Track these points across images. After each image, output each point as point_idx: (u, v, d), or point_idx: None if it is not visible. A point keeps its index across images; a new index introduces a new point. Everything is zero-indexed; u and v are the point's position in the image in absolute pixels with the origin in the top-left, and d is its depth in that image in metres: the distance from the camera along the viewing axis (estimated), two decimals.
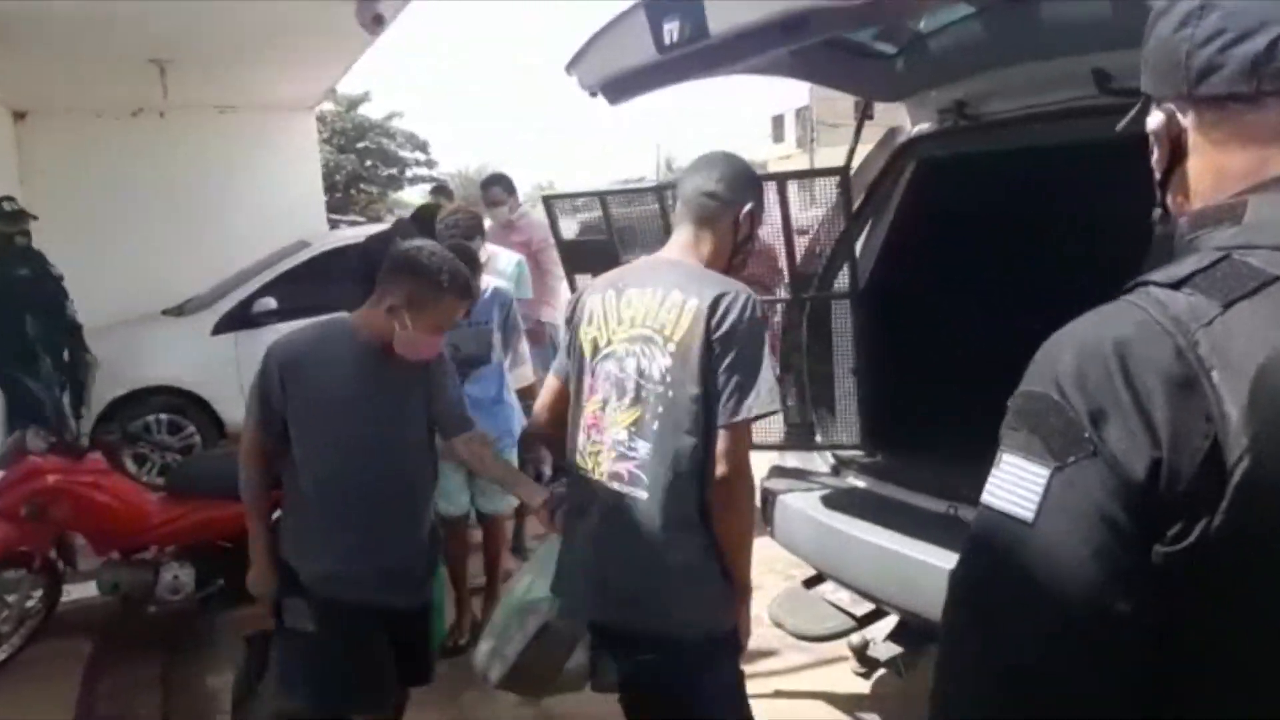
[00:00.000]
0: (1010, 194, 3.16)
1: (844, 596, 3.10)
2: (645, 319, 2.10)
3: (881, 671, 3.08)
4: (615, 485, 2.09)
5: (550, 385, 2.36)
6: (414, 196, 32.49)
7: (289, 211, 8.77)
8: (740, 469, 2.00)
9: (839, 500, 3.07)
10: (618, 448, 2.09)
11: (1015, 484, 0.84)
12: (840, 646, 3.24)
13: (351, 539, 2.49)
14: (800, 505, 3.08)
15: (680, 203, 2.24)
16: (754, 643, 3.50)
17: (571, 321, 2.27)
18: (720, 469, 1.98)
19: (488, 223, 6.24)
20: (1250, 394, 0.77)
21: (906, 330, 3.22)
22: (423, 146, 30.60)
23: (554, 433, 2.31)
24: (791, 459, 3.38)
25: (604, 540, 2.11)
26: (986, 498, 0.87)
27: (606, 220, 3.25)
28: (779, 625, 3.13)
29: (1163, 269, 0.91)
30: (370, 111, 29.09)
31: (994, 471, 0.87)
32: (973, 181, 3.19)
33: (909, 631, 2.92)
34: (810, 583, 3.25)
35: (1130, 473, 0.79)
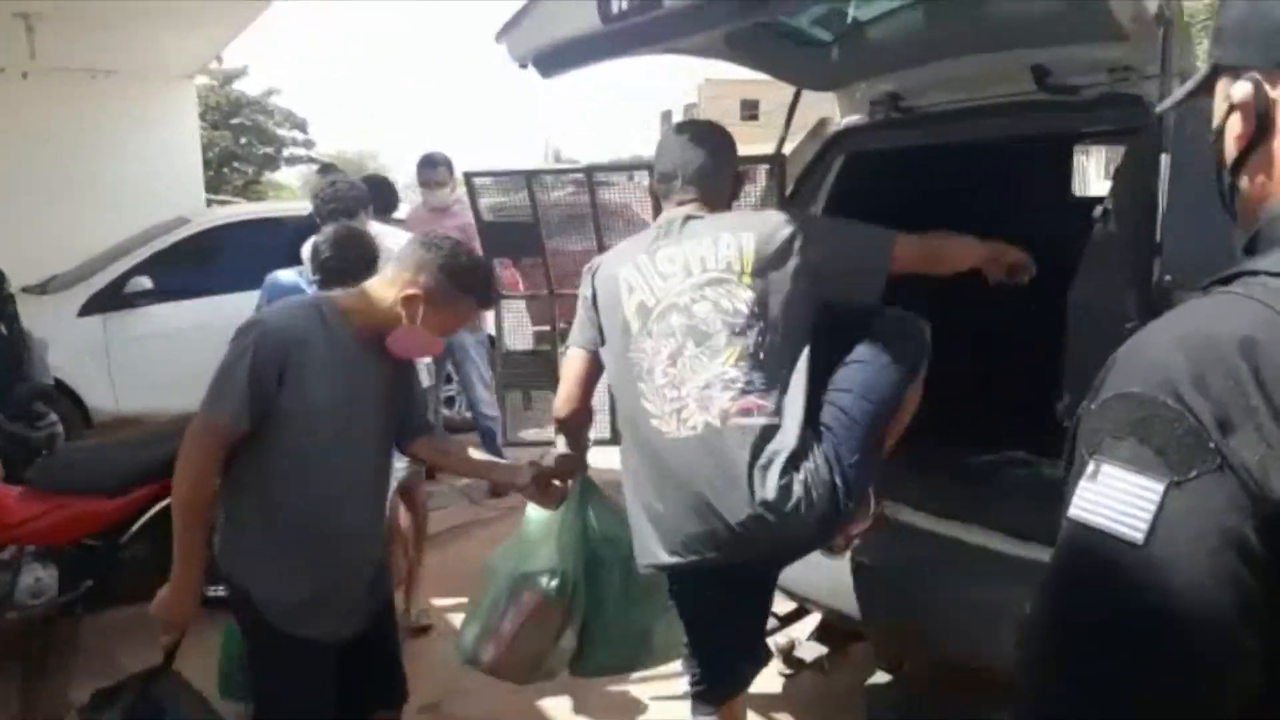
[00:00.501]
0: (943, 188, 3.14)
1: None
2: (705, 265, 2.16)
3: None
4: (740, 420, 2.04)
5: (577, 363, 2.37)
6: (291, 178, 31.35)
7: (166, 186, 8.19)
8: None
9: None
10: (731, 386, 2.06)
11: (1121, 500, 0.75)
12: None
13: (337, 567, 2.21)
14: None
15: (673, 177, 2.34)
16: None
17: (597, 299, 2.31)
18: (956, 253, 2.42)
19: (408, 206, 5.95)
20: None
21: (839, 321, 3.16)
22: (301, 125, 29.59)
23: (572, 418, 2.39)
24: None
25: (725, 473, 2.02)
26: (1080, 514, 0.77)
27: (532, 202, 3.09)
28: None
29: (1267, 257, 0.83)
30: (247, 87, 27.95)
31: (1087, 484, 0.77)
32: (904, 175, 3.15)
33: (833, 630, 2.87)
34: None
35: (1267, 488, 0.70)
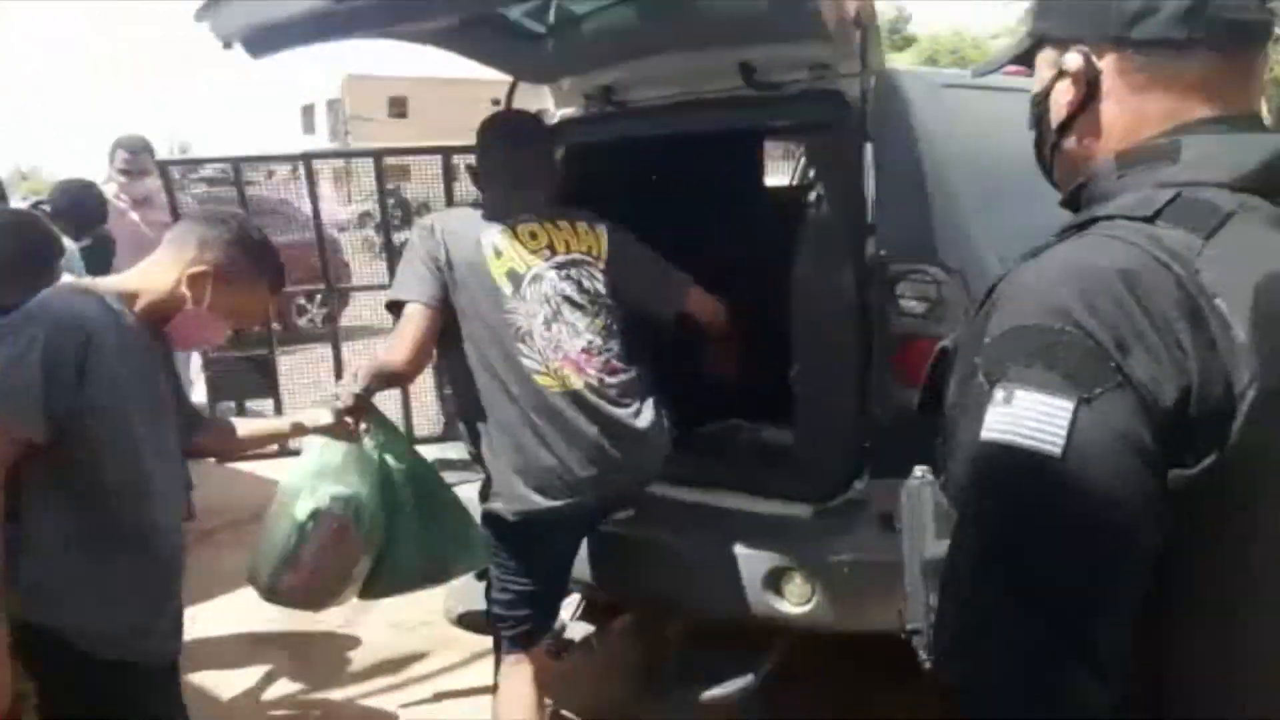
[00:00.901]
0: (657, 178, 3.31)
1: None
2: (569, 246, 2.55)
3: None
4: (611, 379, 2.46)
5: (421, 319, 2.41)
6: None
7: None
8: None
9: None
10: (603, 352, 2.47)
11: (1035, 419, 0.84)
12: None
13: (168, 582, 1.97)
14: (473, 495, 2.98)
15: (501, 166, 2.63)
16: (424, 643, 3.36)
17: (451, 257, 2.43)
18: (717, 314, 2.74)
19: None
20: (1251, 319, 0.84)
21: None
22: None
23: (413, 371, 2.49)
24: (453, 450, 3.24)
25: (608, 423, 2.43)
26: (997, 435, 0.86)
27: (240, 192, 2.87)
28: (460, 623, 3.00)
29: (1115, 204, 0.97)
30: None
31: (1000, 408, 0.87)
32: (621, 166, 3.28)
33: (595, 608, 2.95)
34: (484, 574, 3.15)
35: (1160, 399, 0.83)
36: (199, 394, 4.31)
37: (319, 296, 4.55)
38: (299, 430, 2.40)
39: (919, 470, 1.17)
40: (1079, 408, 0.83)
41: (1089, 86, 1.04)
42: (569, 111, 3.33)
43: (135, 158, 4.47)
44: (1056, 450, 0.83)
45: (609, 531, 2.72)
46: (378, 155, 3.27)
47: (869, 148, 2.49)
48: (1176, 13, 0.97)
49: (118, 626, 1.88)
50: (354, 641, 3.68)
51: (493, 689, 2.69)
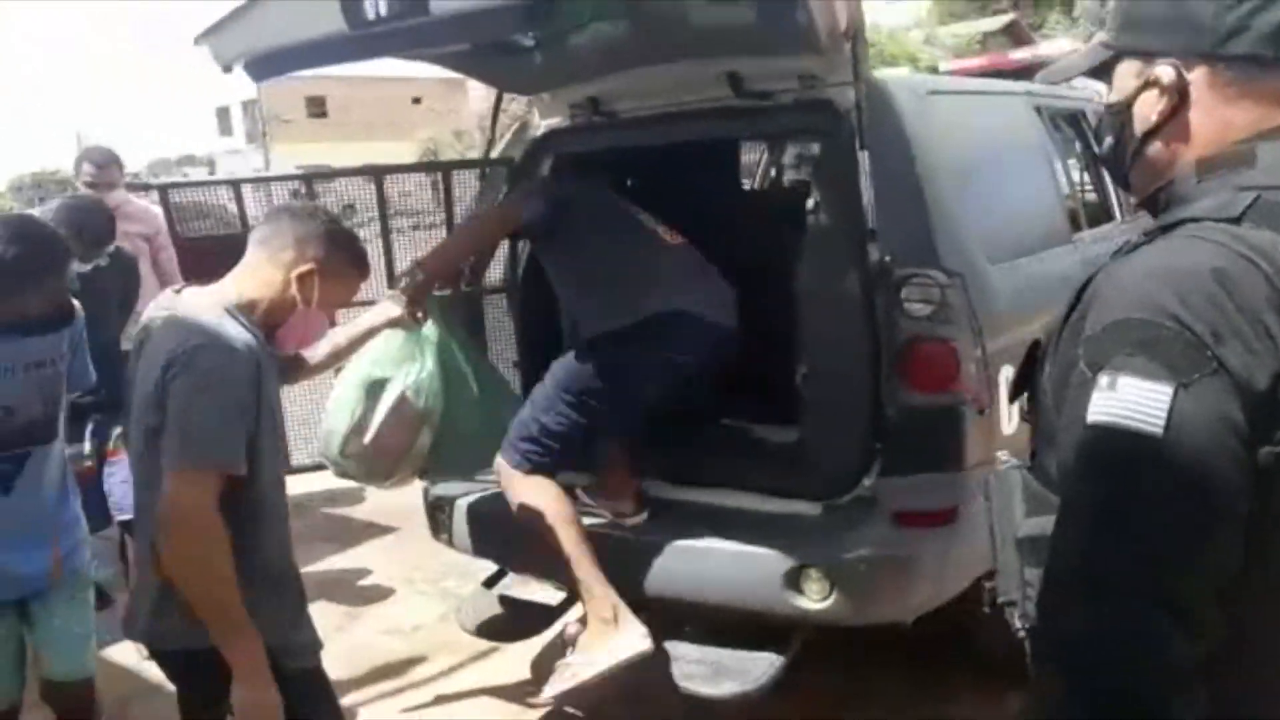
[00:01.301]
0: (645, 187, 3.36)
1: (530, 589, 3.10)
2: None
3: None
4: None
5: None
6: None
7: None
8: None
9: None
10: None
11: (1138, 402, 0.94)
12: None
13: (292, 599, 2.02)
14: (481, 506, 3.02)
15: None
16: (420, 647, 3.36)
17: None
18: None
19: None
20: None
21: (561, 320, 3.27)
22: None
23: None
24: None
25: None
26: (1102, 418, 0.96)
27: (241, 214, 2.86)
28: (473, 632, 3.04)
29: (1199, 207, 1.07)
30: None
31: (1104, 394, 0.96)
32: (609, 175, 3.33)
33: None
34: (492, 581, 3.20)
35: (1253, 384, 0.93)
36: None
37: None
38: (372, 331, 2.45)
39: (1003, 455, 1.29)
40: (1178, 392, 0.93)
41: (1179, 96, 1.12)
42: (554, 122, 3.37)
43: (101, 170, 4.28)
44: (1158, 430, 0.93)
45: (621, 535, 2.79)
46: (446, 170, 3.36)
47: (864, 156, 2.58)
48: (1266, 32, 1.07)
49: (303, 636, 1.98)
50: (349, 647, 3.66)
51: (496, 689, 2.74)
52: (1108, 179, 4.15)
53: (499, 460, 2.77)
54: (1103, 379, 0.97)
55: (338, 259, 2.00)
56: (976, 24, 28.49)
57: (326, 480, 3.16)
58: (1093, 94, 4.63)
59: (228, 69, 2.59)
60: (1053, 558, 1.03)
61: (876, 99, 2.67)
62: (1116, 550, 0.95)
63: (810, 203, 2.73)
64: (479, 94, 28.74)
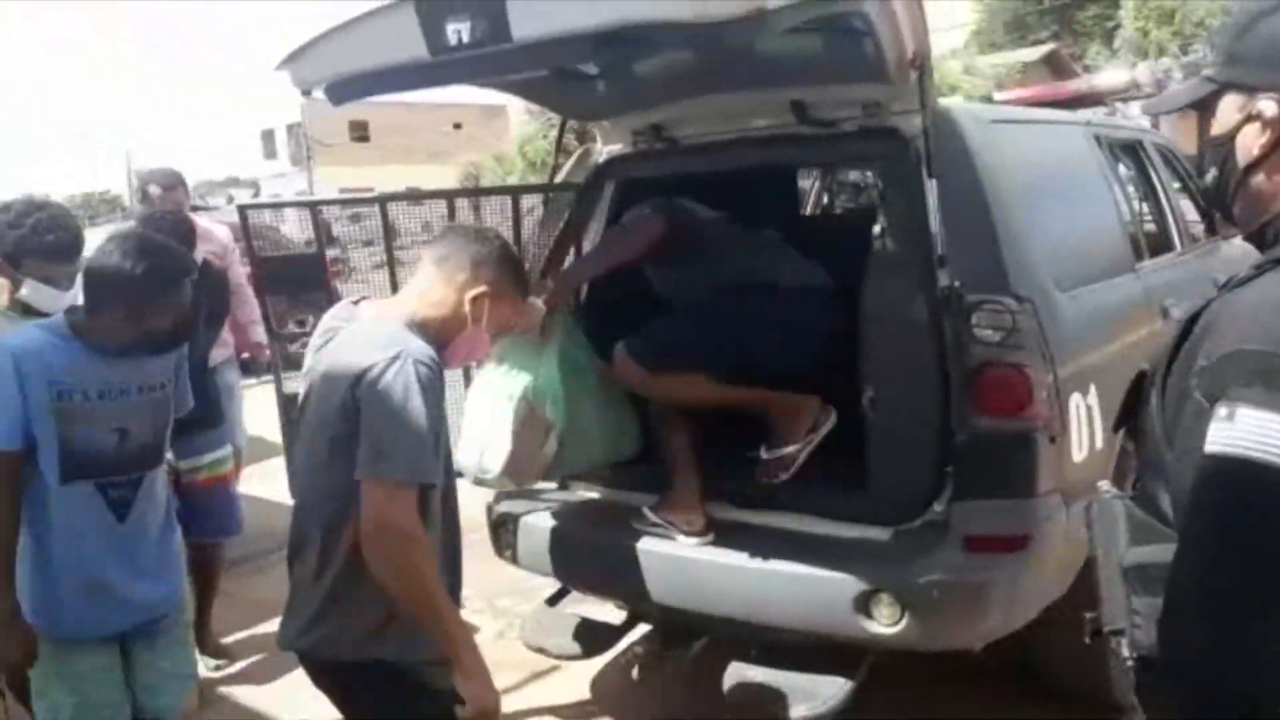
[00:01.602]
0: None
1: (594, 608, 3.12)
2: None
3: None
4: None
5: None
6: None
7: None
8: None
9: (580, 513, 3.09)
10: None
11: (1258, 433, 0.96)
12: None
13: None
14: (547, 524, 3.03)
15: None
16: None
17: None
18: None
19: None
20: None
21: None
22: None
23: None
24: None
25: None
26: (1221, 448, 0.98)
27: (317, 234, 2.92)
28: (538, 650, 3.06)
29: None
30: None
31: (1222, 424, 0.99)
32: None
33: (675, 632, 3.02)
34: (555, 599, 3.22)
35: None
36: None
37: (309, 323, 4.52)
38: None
39: (1104, 485, 1.30)
40: None
41: None
42: (617, 148, 3.41)
43: (168, 192, 4.31)
44: (1277, 459, 0.95)
45: (686, 556, 2.79)
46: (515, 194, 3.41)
47: (932, 183, 2.59)
48: None
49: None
50: None
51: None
52: (1166, 208, 4.14)
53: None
54: (1220, 410, 0.99)
55: (508, 282, 2.07)
56: (1016, 54, 28.38)
57: None
58: (1145, 125, 4.63)
59: (307, 93, 2.65)
60: (1173, 587, 1.05)
61: (943, 126, 2.68)
62: (1238, 579, 0.97)
63: (876, 229, 2.74)
64: (519, 119, 29.05)
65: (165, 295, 2.23)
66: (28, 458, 2.19)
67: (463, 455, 2.69)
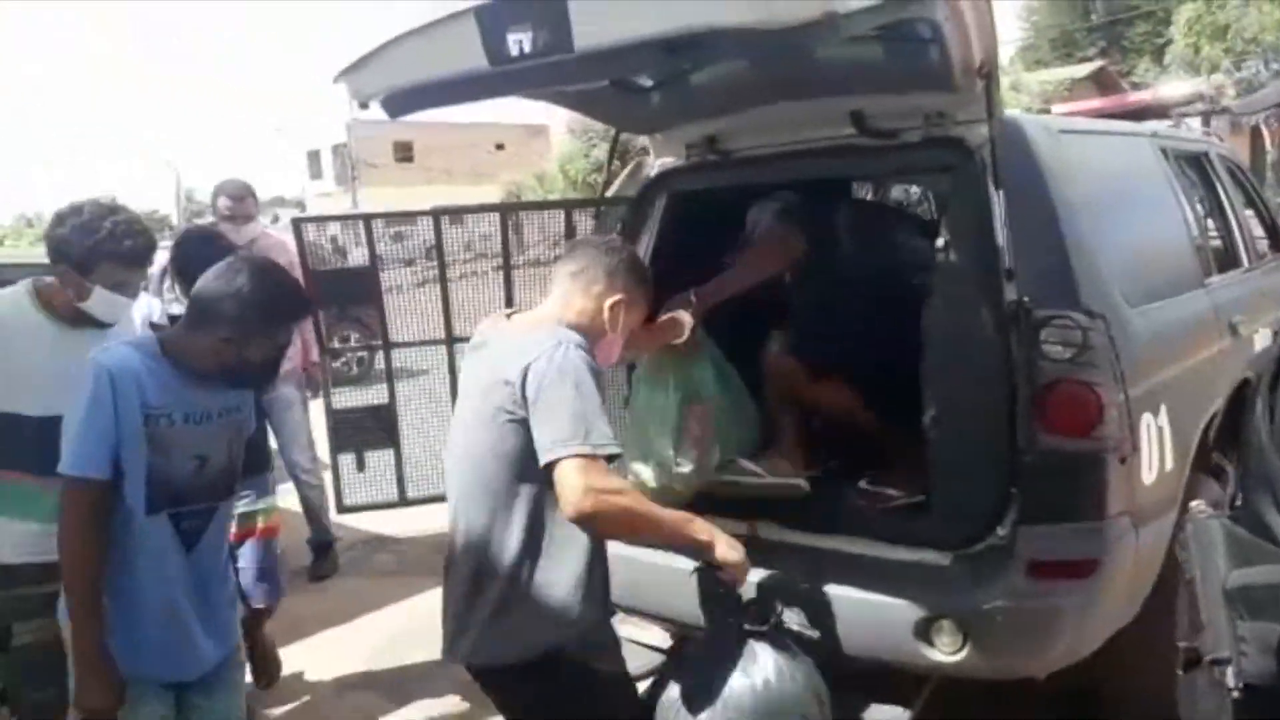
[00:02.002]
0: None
1: (635, 630, 3.06)
2: None
3: None
4: None
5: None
6: None
7: None
8: None
9: None
10: None
11: None
12: None
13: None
14: None
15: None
16: None
17: None
18: None
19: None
20: None
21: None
22: None
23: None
24: None
25: None
26: None
27: (370, 248, 2.91)
28: None
29: None
30: None
31: None
32: (727, 214, 3.32)
33: None
34: None
35: None
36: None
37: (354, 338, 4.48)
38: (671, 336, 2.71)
39: (1199, 504, 1.22)
40: None
41: None
42: (670, 160, 3.37)
43: (238, 203, 4.36)
44: None
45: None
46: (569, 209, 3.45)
47: (999, 195, 2.52)
48: None
49: (607, 635, 2.21)
50: (447, 680, 3.60)
51: None
52: (1233, 223, 4.02)
53: None
54: None
55: (640, 289, 2.25)
56: (1064, 70, 28.15)
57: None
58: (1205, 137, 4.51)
59: (365, 105, 2.64)
60: None
61: (1010, 137, 2.61)
62: None
63: (941, 241, 2.67)
64: (560, 138, 29.24)
65: (273, 329, 2.17)
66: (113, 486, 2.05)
67: (637, 464, 2.78)
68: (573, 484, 1.89)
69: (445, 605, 2.17)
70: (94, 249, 2.46)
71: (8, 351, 2.50)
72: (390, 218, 3.23)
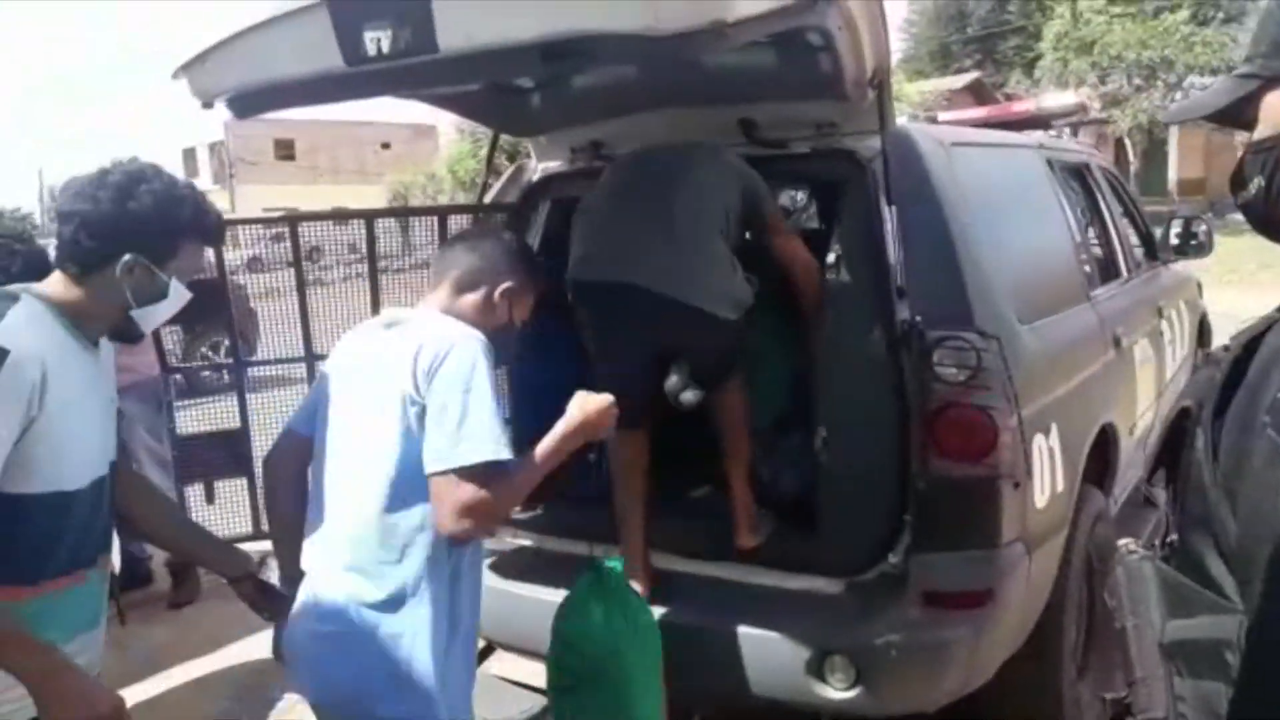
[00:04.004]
0: None
1: (516, 667, 2.88)
2: None
3: None
4: None
5: None
6: None
7: None
8: None
9: (513, 563, 2.84)
10: None
11: None
12: None
13: None
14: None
15: None
16: None
17: None
18: None
19: None
20: None
21: (554, 372, 3.08)
22: None
23: None
24: None
25: None
26: None
27: (219, 257, 2.65)
28: None
29: None
30: None
31: None
32: None
33: None
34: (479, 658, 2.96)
35: None
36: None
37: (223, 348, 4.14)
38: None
39: (1127, 543, 1.13)
40: None
41: None
42: (553, 165, 3.20)
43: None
44: None
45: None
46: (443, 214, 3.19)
47: (891, 210, 2.43)
48: None
49: None
50: None
51: None
52: (1113, 233, 4.06)
53: None
54: None
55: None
56: (943, 81, 28.96)
57: None
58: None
59: (208, 105, 2.39)
60: (1253, 674, 0.86)
61: (901, 150, 2.53)
62: None
63: (831, 257, 2.57)
64: (449, 139, 28.74)
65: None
66: None
67: None
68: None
69: None
70: (181, 226, 1.82)
71: (63, 407, 1.66)
72: (246, 223, 2.97)
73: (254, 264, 3.57)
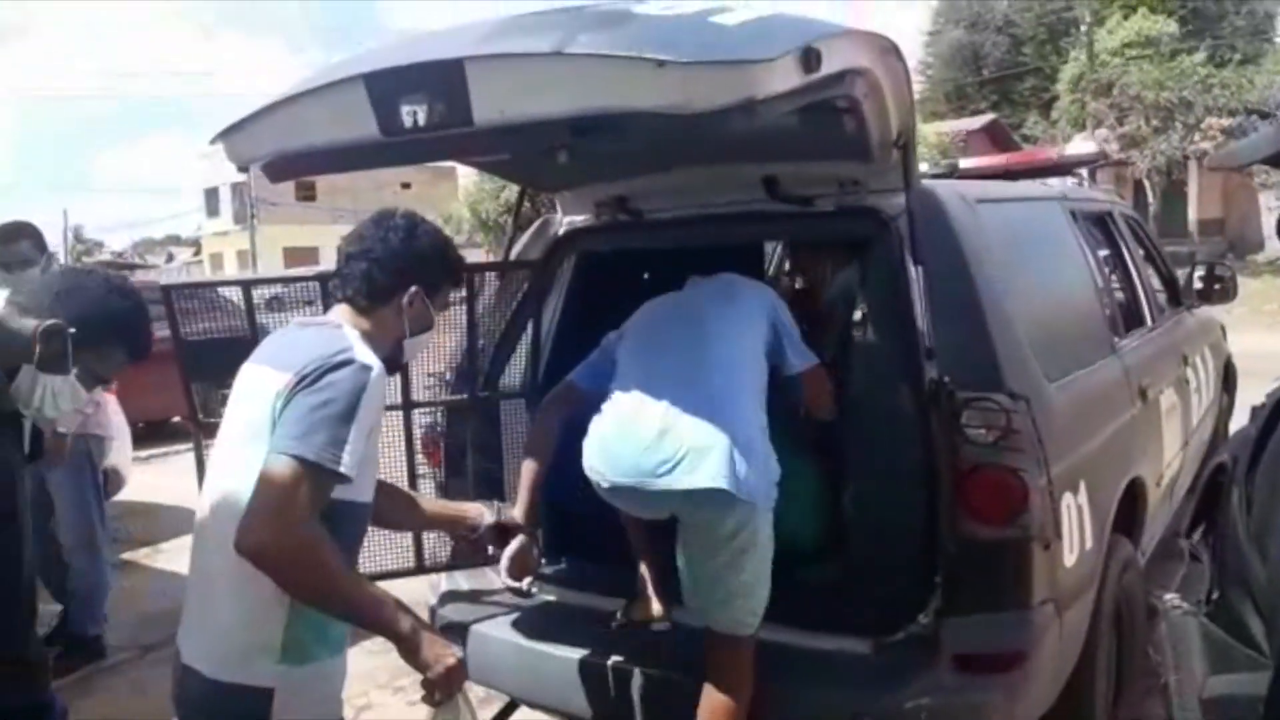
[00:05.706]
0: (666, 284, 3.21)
1: None
2: None
3: None
4: None
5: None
6: None
7: None
8: None
9: (538, 620, 2.83)
10: None
11: None
12: None
13: None
14: (500, 634, 2.77)
15: None
16: None
17: None
18: None
19: None
20: None
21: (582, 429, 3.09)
22: None
23: None
24: (462, 579, 3.04)
25: None
26: None
27: (249, 314, 2.68)
28: None
29: None
30: None
31: None
32: (637, 276, 3.19)
33: None
34: (501, 716, 2.95)
35: None
36: None
37: None
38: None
39: (1172, 599, 1.12)
40: None
41: None
42: (578, 220, 3.23)
43: (10, 248, 3.84)
44: None
45: (629, 669, 2.54)
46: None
47: (917, 270, 2.44)
48: None
49: None
50: None
51: None
52: (1137, 282, 4.06)
53: None
54: None
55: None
56: (958, 123, 29.10)
57: None
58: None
59: (244, 170, 2.44)
60: None
61: (926, 208, 2.54)
62: None
63: (858, 315, 2.58)
64: (469, 180, 28.99)
65: None
66: None
67: None
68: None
69: None
70: (449, 265, 2.10)
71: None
72: (272, 282, 3.00)
73: (274, 304, 3.61)
